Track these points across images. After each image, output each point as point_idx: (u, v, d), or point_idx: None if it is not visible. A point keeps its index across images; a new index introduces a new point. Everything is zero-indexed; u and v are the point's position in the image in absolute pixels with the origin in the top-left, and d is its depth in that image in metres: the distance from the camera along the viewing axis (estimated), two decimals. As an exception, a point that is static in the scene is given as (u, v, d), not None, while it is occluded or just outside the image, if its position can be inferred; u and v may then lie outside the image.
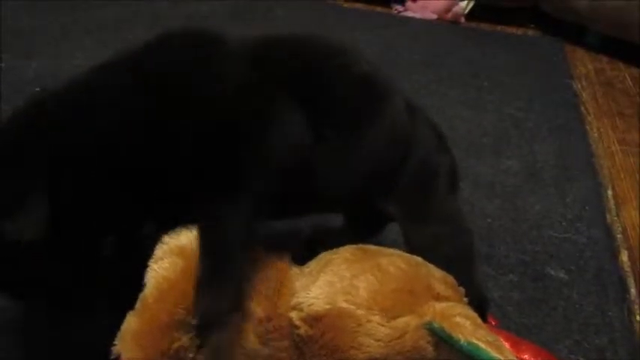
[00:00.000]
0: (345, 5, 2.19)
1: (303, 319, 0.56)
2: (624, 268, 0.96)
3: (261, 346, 0.57)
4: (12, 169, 0.55)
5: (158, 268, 0.57)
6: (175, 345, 0.56)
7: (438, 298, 0.58)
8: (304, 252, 0.65)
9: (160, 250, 0.59)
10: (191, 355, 0.56)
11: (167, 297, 0.56)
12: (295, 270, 0.61)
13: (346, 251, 0.62)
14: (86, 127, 0.57)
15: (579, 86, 1.67)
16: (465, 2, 2.11)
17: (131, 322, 0.56)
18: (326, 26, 1.89)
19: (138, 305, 0.57)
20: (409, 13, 2.12)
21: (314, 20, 1.95)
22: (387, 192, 0.71)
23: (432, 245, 0.69)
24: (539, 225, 1.04)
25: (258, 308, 0.57)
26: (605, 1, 1.83)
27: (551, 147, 1.31)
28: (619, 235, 1.04)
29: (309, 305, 0.56)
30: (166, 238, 0.59)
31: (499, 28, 2.11)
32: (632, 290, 0.91)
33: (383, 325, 0.55)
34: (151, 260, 0.58)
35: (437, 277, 0.61)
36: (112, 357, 0.56)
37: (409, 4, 2.14)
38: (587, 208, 1.10)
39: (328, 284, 0.57)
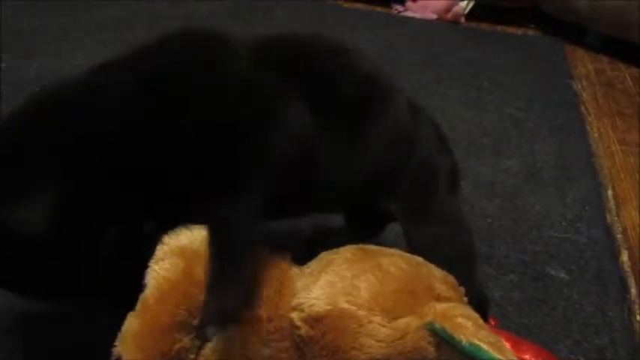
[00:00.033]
0: (345, 5, 2.18)
1: (304, 320, 0.56)
2: (624, 268, 0.96)
3: (261, 346, 0.57)
4: (12, 168, 0.55)
5: (159, 268, 0.57)
6: (176, 346, 0.55)
7: (439, 298, 0.58)
8: (304, 252, 0.64)
9: (160, 251, 0.58)
10: (192, 357, 0.56)
11: (168, 298, 0.56)
12: (296, 270, 0.61)
13: (347, 251, 0.62)
14: (86, 127, 0.57)
15: (579, 86, 1.67)
16: (465, 2, 2.10)
17: (132, 323, 0.56)
18: (326, 26, 1.89)
19: (138, 306, 0.57)
20: (409, 13, 2.12)
21: (314, 20, 1.94)
22: (389, 191, 0.70)
23: (432, 245, 0.69)
24: (539, 225, 1.04)
25: (258, 309, 0.57)
26: (605, 1, 1.83)
27: (551, 147, 1.31)
28: (619, 235, 1.04)
29: (310, 306, 0.56)
30: (167, 239, 0.59)
31: (499, 28, 2.11)
32: (633, 290, 0.91)
33: (384, 326, 0.55)
34: (152, 261, 0.58)
35: (438, 277, 0.61)
36: (113, 358, 0.56)
37: (409, 4, 2.14)
38: (587, 208, 1.10)
39: (329, 284, 0.57)
